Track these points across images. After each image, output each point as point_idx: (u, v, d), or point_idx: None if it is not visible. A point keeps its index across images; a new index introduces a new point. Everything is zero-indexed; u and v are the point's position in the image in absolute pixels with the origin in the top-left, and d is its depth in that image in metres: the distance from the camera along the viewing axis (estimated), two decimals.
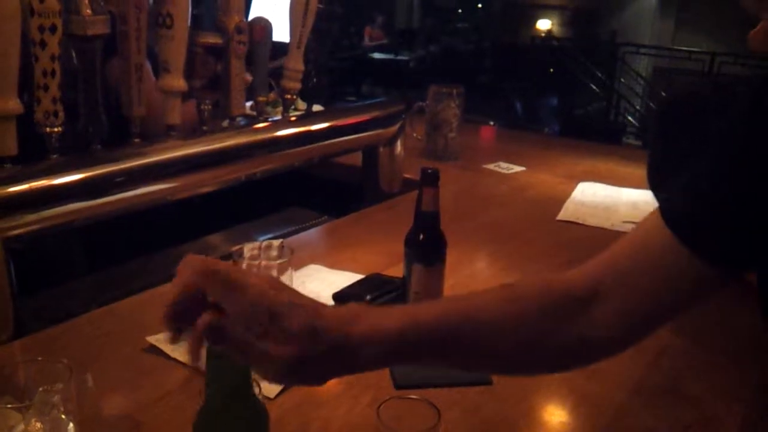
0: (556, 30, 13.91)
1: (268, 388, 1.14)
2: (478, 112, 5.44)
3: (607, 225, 2.05)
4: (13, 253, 1.38)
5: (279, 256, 1.39)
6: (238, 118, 1.87)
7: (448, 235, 1.41)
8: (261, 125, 1.93)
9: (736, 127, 0.79)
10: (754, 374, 1.27)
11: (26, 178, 1.39)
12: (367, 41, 12.71)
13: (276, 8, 2.24)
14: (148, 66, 1.67)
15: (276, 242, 1.41)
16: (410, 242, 1.41)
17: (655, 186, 1.60)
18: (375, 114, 2.33)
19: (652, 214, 0.84)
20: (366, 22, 12.81)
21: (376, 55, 12.39)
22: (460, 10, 15.27)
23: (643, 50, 10.82)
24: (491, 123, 3.38)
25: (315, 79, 2.07)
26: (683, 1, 12.02)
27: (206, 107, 1.78)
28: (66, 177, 1.45)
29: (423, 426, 0.88)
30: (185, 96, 1.73)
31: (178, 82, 1.67)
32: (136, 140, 1.63)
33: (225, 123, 1.85)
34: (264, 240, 1.46)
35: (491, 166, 2.71)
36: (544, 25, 14.16)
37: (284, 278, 1.34)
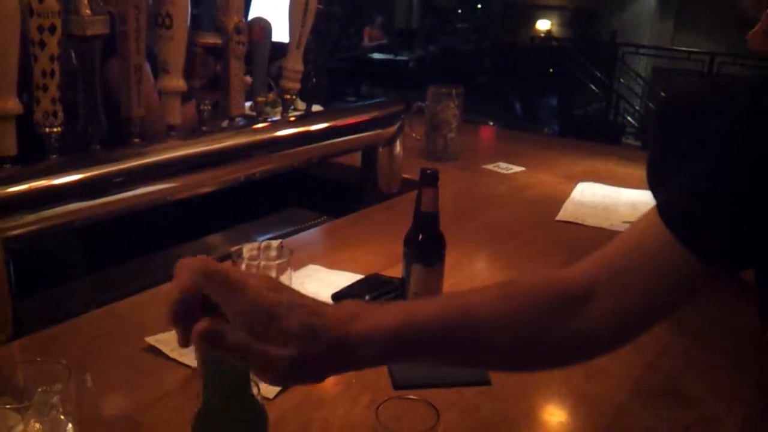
0: (556, 30, 13.91)
1: (267, 389, 1.14)
2: (478, 112, 5.45)
3: (606, 225, 2.05)
4: (12, 254, 1.38)
5: (278, 257, 1.39)
6: (238, 119, 1.87)
7: (448, 235, 1.41)
8: (260, 125, 1.93)
9: (735, 128, 0.79)
10: (754, 374, 1.27)
11: (26, 178, 1.39)
12: (366, 41, 12.72)
13: (275, 8, 2.24)
14: (147, 68, 1.67)
15: (275, 242, 1.41)
16: (409, 243, 1.41)
17: (654, 186, 1.60)
18: (374, 114, 2.33)
19: (649, 212, 0.85)
20: (365, 22, 12.80)
21: (376, 56, 12.39)
22: (459, 11, 15.27)
23: (642, 51, 10.83)
24: (490, 123, 3.38)
25: (314, 80, 2.07)
26: (682, 2, 12.02)
27: (205, 107, 1.78)
28: (65, 177, 1.45)
29: (422, 426, 0.88)
30: (185, 97, 1.73)
31: (178, 83, 1.67)
32: (136, 140, 1.63)
33: (224, 123, 1.85)
34: (263, 240, 1.46)
35: (490, 167, 2.71)
36: (543, 25, 14.16)
37: (283, 279, 1.34)
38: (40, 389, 0.91)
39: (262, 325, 0.72)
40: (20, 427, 0.90)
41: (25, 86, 1.40)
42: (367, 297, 1.49)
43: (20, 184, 1.37)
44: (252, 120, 1.93)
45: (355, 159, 2.44)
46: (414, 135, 2.75)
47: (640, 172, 1.76)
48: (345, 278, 1.61)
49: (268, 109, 2.04)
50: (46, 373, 0.96)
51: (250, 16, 1.90)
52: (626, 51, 10.73)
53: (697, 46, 10.20)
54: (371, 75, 12.00)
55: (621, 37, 11.66)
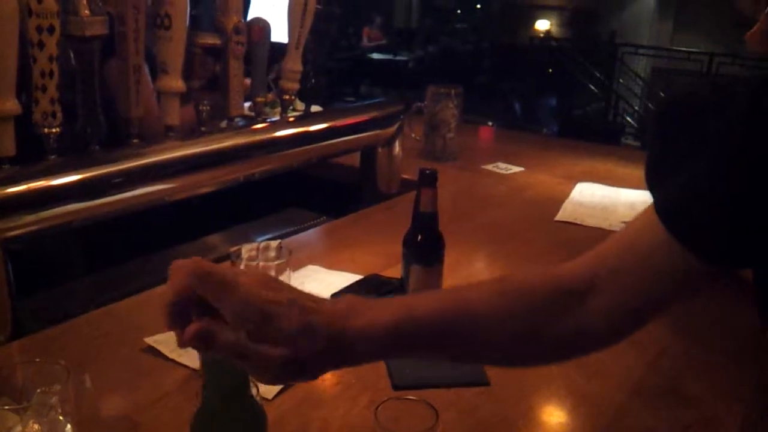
0: (555, 30, 13.90)
1: (266, 389, 1.14)
2: (477, 112, 5.45)
3: (605, 225, 2.05)
4: (11, 254, 1.38)
5: (277, 257, 1.39)
6: (237, 119, 1.86)
7: (447, 235, 1.41)
8: (259, 126, 1.93)
9: (735, 128, 0.79)
10: (754, 374, 1.27)
11: (24, 178, 1.39)
12: (365, 42, 12.71)
13: (274, 9, 2.24)
14: (145, 69, 1.66)
15: (274, 243, 1.41)
16: (408, 243, 1.41)
17: (653, 186, 1.60)
18: (373, 114, 2.33)
19: (646, 210, 0.85)
20: (364, 22, 12.80)
21: (375, 56, 12.38)
22: (458, 11, 15.25)
23: (641, 51, 10.82)
24: (490, 123, 3.38)
25: (313, 80, 2.07)
26: (682, 2, 12.02)
27: (204, 108, 1.78)
28: (64, 178, 1.45)
29: (421, 427, 0.88)
30: (184, 98, 1.73)
31: (177, 83, 1.67)
32: (135, 141, 1.63)
33: (223, 124, 1.85)
34: (262, 241, 1.46)
35: (490, 167, 2.71)
36: (542, 25, 14.16)
37: (282, 279, 1.34)
38: (38, 390, 0.91)
39: (256, 324, 0.72)
40: (19, 427, 0.90)
41: (24, 87, 1.40)
42: None
43: (19, 185, 1.37)
44: (251, 120, 1.93)
45: (354, 159, 2.44)
46: (413, 135, 2.75)
47: (639, 173, 1.76)
48: (344, 279, 1.61)
49: (267, 109, 2.04)
50: (44, 373, 0.96)
51: (249, 17, 1.90)
52: (625, 51, 10.73)
53: (697, 46, 10.20)
54: (370, 75, 11.99)
55: (620, 38, 11.66)
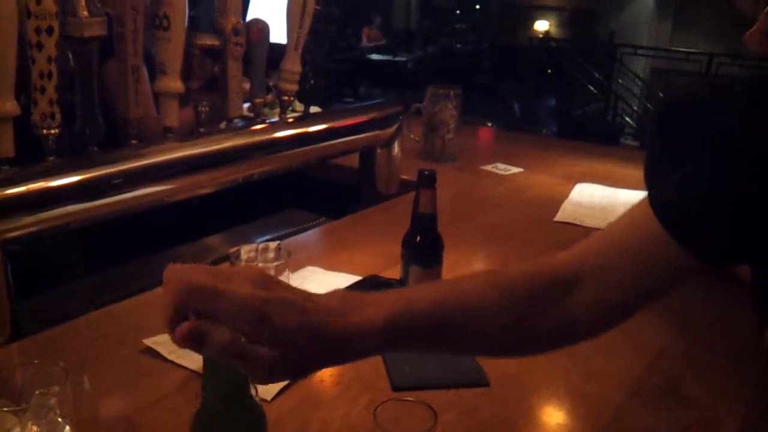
0: (554, 31, 13.91)
1: (265, 391, 1.14)
2: (476, 113, 5.46)
3: (604, 226, 2.02)
4: (10, 255, 1.37)
5: (276, 258, 1.39)
6: (236, 120, 1.86)
7: (446, 236, 1.41)
8: (258, 127, 1.92)
9: (734, 128, 0.79)
10: (754, 374, 1.27)
11: (23, 180, 1.39)
12: (364, 42, 12.71)
13: (273, 10, 2.24)
14: (145, 73, 1.66)
15: (273, 244, 1.41)
16: (407, 244, 1.41)
17: (652, 187, 1.60)
18: (372, 115, 2.33)
19: (639, 203, 0.87)
20: (364, 23, 12.80)
21: (374, 57, 12.38)
22: (457, 11, 15.25)
23: (640, 51, 10.82)
24: (489, 124, 3.38)
25: (312, 81, 2.07)
26: (681, 3, 12.03)
27: (203, 109, 1.77)
28: (63, 179, 1.45)
29: (420, 428, 0.88)
30: (183, 100, 1.73)
31: (175, 84, 1.67)
32: (133, 142, 1.63)
33: (222, 125, 1.85)
34: (261, 242, 1.46)
35: (489, 168, 2.71)
36: (541, 26, 14.16)
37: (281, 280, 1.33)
38: (37, 391, 0.91)
39: (252, 324, 0.71)
40: (18, 429, 0.89)
41: (23, 88, 1.40)
42: None
43: (18, 186, 1.37)
44: (250, 121, 1.93)
45: (353, 160, 2.43)
46: (412, 136, 2.75)
47: (639, 173, 1.76)
48: (343, 279, 1.61)
49: (266, 110, 2.04)
50: (43, 375, 0.96)
51: (248, 18, 1.89)
52: (624, 52, 10.73)
53: (696, 46, 10.20)
54: (369, 76, 11.99)
55: (619, 38, 11.66)
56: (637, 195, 2.35)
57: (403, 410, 0.92)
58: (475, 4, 15.29)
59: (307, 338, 0.74)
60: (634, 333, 1.42)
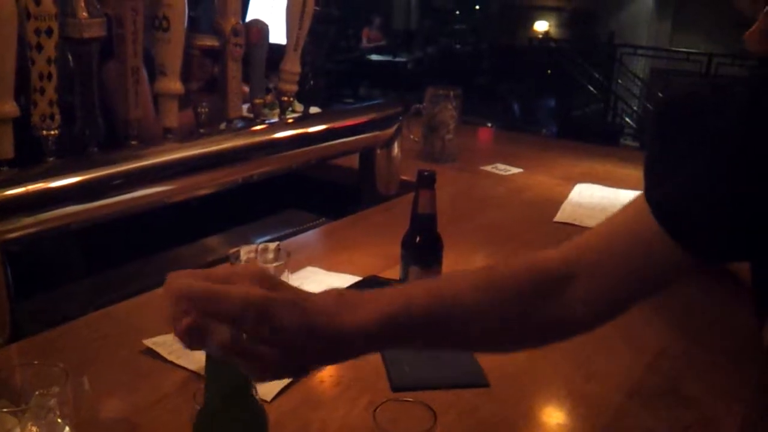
0: (554, 31, 13.90)
1: (265, 391, 1.14)
2: (476, 113, 5.45)
3: None
4: (10, 256, 1.37)
5: (276, 259, 1.39)
6: (235, 121, 1.86)
7: (445, 237, 1.41)
8: (258, 127, 1.93)
9: (734, 127, 0.79)
10: (754, 374, 1.27)
11: (23, 181, 1.39)
12: (365, 43, 12.71)
13: (273, 11, 2.24)
14: (144, 74, 1.66)
15: (273, 245, 1.41)
16: (407, 244, 1.41)
17: (651, 187, 1.60)
18: (372, 116, 2.33)
19: (634, 200, 0.87)
20: (363, 23, 12.79)
21: (374, 57, 12.37)
22: (457, 12, 15.24)
23: (640, 51, 10.82)
24: (489, 124, 3.38)
25: (312, 82, 2.08)
26: (680, 3, 12.02)
27: (203, 110, 1.77)
28: (63, 180, 1.45)
29: (419, 428, 0.88)
30: (183, 102, 1.73)
31: (175, 85, 1.67)
32: (133, 143, 1.63)
33: (222, 125, 1.85)
34: (261, 242, 1.46)
35: (488, 168, 2.70)
36: (541, 26, 14.15)
37: None
38: (37, 392, 0.91)
39: (254, 322, 0.72)
40: (17, 430, 0.89)
41: (23, 89, 1.40)
42: None
43: (18, 187, 1.37)
44: (250, 122, 1.93)
45: (353, 161, 2.43)
46: (412, 137, 2.75)
47: (638, 173, 1.75)
48: (343, 280, 1.61)
49: (265, 111, 2.04)
50: (43, 376, 0.96)
51: (248, 18, 1.89)
52: (624, 52, 10.73)
53: (696, 46, 10.20)
54: (369, 76, 11.98)
55: (619, 38, 11.66)
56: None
57: (403, 411, 0.92)
58: (475, 5, 15.29)
59: (306, 338, 0.74)
60: (634, 333, 1.42)
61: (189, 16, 1.65)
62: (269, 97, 2.10)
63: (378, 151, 2.36)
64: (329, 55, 9.77)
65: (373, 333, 0.78)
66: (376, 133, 2.31)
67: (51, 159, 1.46)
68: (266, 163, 1.93)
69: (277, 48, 1.95)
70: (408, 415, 0.91)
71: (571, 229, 2.06)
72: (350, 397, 1.19)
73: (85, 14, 1.44)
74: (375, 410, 0.90)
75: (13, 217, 1.36)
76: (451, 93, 2.70)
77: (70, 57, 1.51)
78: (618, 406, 1.21)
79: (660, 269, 0.85)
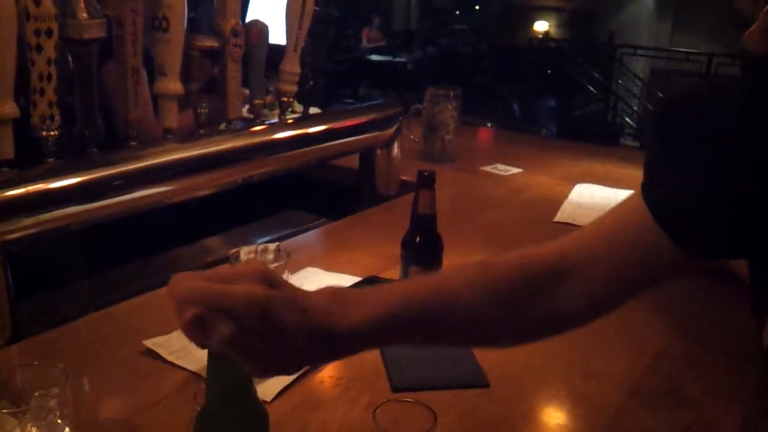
0: (554, 31, 13.89)
1: (266, 392, 1.14)
2: (476, 113, 5.45)
3: None
4: (10, 257, 1.37)
5: (275, 259, 1.39)
6: (235, 121, 1.86)
7: (445, 237, 1.41)
8: (258, 128, 1.93)
9: (735, 127, 0.79)
10: (754, 374, 1.27)
11: (23, 181, 1.39)
12: (364, 43, 12.70)
13: (272, 11, 2.24)
14: (144, 74, 1.66)
15: (272, 245, 1.41)
16: (407, 245, 1.41)
17: (651, 187, 1.60)
18: (372, 116, 2.33)
19: (631, 196, 0.88)
20: (363, 24, 12.79)
21: (374, 57, 12.37)
22: (457, 12, 15.24)
23: (640, 51, 10.81)
24: (488, 125, 3.38)
25: (312, 82, 2.07)
26: (680, 3, 12.02)
27: (203, 111, 1.77)
28: (63, 181, 1.45)
29: (419, 429, 0.88)
30: (183, 104, 1.73)
31: (175, 86, 1.67)
32: (133, 143, 1.63)
33: (222, 126, 1.85)
34: (261, 243, 1.46)
35: (488, 168, 2.71)
36: (541, 26, 14.15)
37: None
38: (37, 393, 0.91)
39: (256, 320, 0.72)
40: (17, 431, 0.89)
41: (22, 90, 1.40)
42: None
43: (18, 188, 1.37)
44: (249, 123, 1.93)
45: (353, 161, 2.43)
46: (412, 137, 2.75)
47: (638, 173, 1.75)
48: (343, 281, 1.61)
49: (265, 111, 2.04)
50: (43, 376, 0.96)
51: (247, 19, 1.89)
52: (624, 52, 10.72)
53: (696, 46, 10.19)
54: (369, 77, 11.98)
55: (619, 38, 11.65)
56: None
57: (403, 411, 0.92)
58: (475, 5, 15.29)
59: (307, 337, 0.75)
60: (634, 333, 1.42)
61: (189, 17, 1.65)
62: (269, 98, 2.10)
63: (378, 152, 2.36)
64: (329, 56, 9.76)
65: (366, 332, 0.79)
66: (376, 133, 2.32)
67: (51, 160, 1.46)
68: (266, 164, 1.93)
69: (277, 48, 1.95)
70: (408, 415, 0.91)
71: (571, 229, 2.03)
72: (350, 398, 1.19)
73: (84, 15, 1.44)
74: (375, 410, 0.90)
75: (13, 218, 1.36)
76: (451, 93, 2.70)
77: (69, 58, 1.51)
78: (618, 406, 1.21)
79: (655, 265, 0.86)
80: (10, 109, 1.35)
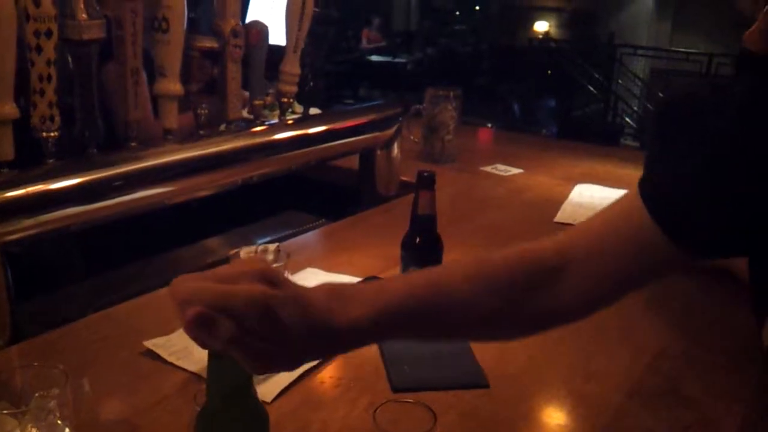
0: (554, 32, 13.90)
1: (266, 392, 1.14)
2: (476, 114, 5.45)
3: None
4: (10, 258, 1.37)
5: (275, 260, 1.39)
6: (235, 122, 1.86)
7: (445, 238, 1.41)
8: (258, 129, 1.93)
9: (734, 127, 0.79)
10: (754, 374, 1.27)
11: (23, 182, 1.39)
12: (364, 44, 12.70)
13: (272, 12, 2.24)
14: (143, 76, 1.66)
15: (272, 246, 1.41)
16: (407, 245, 1.41)
17: (651, 187, 1.60)
18: (372, 117, 2.33)
19: (628, 194, 0.89)
20: (363, 24, 12.79)
21: (374, 58, 12.37)
22: (457, 12, 15.25)
23: (640, 52, 10.82)
24: (489, 125, 3.38)
25: (311, 83, 2.08)
26: (680, 3, 12.02)
27: (203, 111, 1.77)
28: (63, 181, 1.45)
29: (419, 429, 0.88)
30: (183, 105, 1.73)
31: (175, 87, 1.67)
32: (133, 144, 1.63)
33: (222, 127, 1.85)
34: (261, 243, 1.46)
35: (488, 169, 2.71)
36: (541, 26, 14.15)
37: None
38: (37, 394, 0.91)
39: (258, 319, 0.72)
40: None
41: (22, 91, 1.40)
42: None
43: (17, 189, 1.37)
44: (249, 123, 1.93)
45: (353, 162, 2.43)
46: (412, 137, 2.75)
47: (638, 174, 1.76)
48: (343, 281, 1.61)
49: (265, 112, 2.04)
50: (43, 377, 0.96)
51: (247, 20, 1.90)
52: (624, 52, 10.73)
53: (696, 46, 10.19)
54: (369, 77, 11.98)
55: (619, 39, 11.65)
56: None
57: (403, 411, 0.92)
58: (475, 5, 15.29)
59: (306, 334, 0.75)
60: (634, 333, 1.42)
61: (188, 18, 1.65)
62: (269, 99, 2.11)
63: (378, 152, 2.36)
64: (329, 57, 9.76)
65: (365, 328, 0.79)
66: (376, 134, 2.32)
67: (51, 161, 1.46)
68: (266, 165, 1.93)
69: (277, 49, 1.95)
70: (408, 416, 0.91)
71: None
72: (350, 398, 1.19)
73: (84, 16, 1.45)
74: (375, 411, 0.90)
75: (13, 219, 1.36)
76: (451, 94, 2.70)
77: (69, 58, 1.51)
78: (618, 406, 1.21)
79: (650, 262, 0.86)
80: (10, 110, 1.36)
